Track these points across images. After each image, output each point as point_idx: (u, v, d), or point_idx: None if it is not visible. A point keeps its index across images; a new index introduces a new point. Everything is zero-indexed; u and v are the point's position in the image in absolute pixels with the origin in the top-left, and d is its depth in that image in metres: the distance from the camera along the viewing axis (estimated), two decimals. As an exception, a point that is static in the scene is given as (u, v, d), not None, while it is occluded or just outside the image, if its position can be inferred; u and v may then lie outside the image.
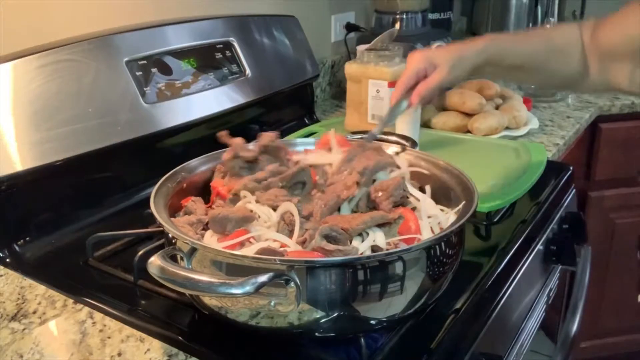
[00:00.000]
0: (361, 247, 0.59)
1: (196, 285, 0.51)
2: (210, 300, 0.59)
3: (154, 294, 0.72)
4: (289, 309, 0.54)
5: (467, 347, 0.65)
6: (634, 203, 1.68)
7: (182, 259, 0.59)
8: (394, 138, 0.86)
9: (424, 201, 0.71)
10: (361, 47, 1.23)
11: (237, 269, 0.55)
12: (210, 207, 0.73)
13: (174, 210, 0.71)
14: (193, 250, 0.58)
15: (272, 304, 0.54)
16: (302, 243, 0.62)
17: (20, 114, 0.80)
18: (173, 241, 0.61)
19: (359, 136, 0.88)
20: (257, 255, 0.56)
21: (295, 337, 0.61)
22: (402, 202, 0.71)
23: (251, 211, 0.67)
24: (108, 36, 0.94)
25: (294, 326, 0.57)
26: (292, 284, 0.53)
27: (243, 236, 0.62)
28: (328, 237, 0.58)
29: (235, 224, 0.64)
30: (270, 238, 0.63)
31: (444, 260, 0.61)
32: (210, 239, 0.65)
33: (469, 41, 0.87)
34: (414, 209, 0.70)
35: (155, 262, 0.53)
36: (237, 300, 0.56)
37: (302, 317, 0.56)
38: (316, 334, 0.58)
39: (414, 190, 0.73)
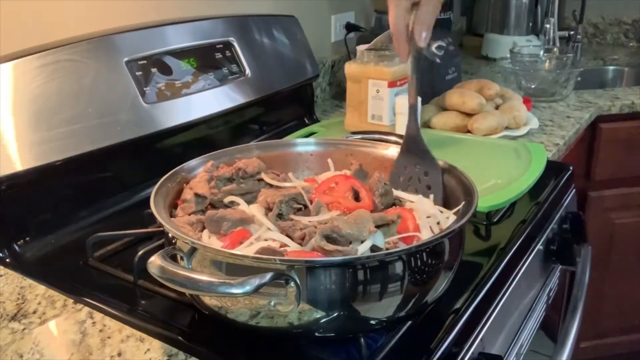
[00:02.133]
0: (361, 248, 0.59)
1: (196, 285, 0.51)
2: (210, 300, 0.59)
3: (154, 294, 0.72)
4: (289, 309, 0.54)
5: (467, 347, 0.65)
6: (634, 203, 1.68)
7: (182, 258, 0.59)
8: (393, 138, 0.86)
9: (420, 202, 0.71)
10: (361, 47, 1.23)
11: (237, 269, 0.55)
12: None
13: (174, 209, 0.71)
14: (193, 250, 0.58)
15: (272, 303, 0.54)
16: (302, 239, 0.62)
17: (20, 114, 0.80)
18: (173, 241, 0.61)
19: (359, 136, 0.88)
20: (257, 255, 0.56)
21: (295, 337, 0.61)
22: (391, 200, 0.71)
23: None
24: (108, 36, 0.94)
25: (293, 326, 0.57)
26: (292, 283, 0.53)
27: (250, 238, 0.62)
28: (328, 238, 0.58)
29: (232, 224, 0.64)
30: (270, 238, 0.63)
31: (444, 260, 0.61)
32: (209, 240, 0.65)
33: None
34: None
35: (156, 262, 0.53)
36: (237, 300, 0.56)
37: (302, 317, 0.56)
38: (316, 333, 0.58)
39: (404, 194, 0.73)
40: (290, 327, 0.57)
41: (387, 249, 0.61)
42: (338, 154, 0.83)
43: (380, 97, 1.18)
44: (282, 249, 0.61)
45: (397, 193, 0.74)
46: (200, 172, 0.75)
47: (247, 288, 0.50)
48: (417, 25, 0.72)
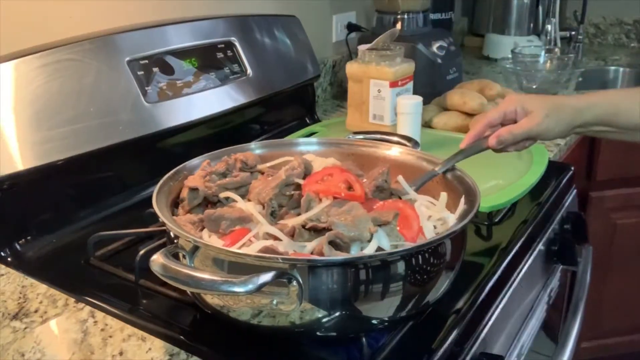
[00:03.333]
0: (367, 251, 0.59)
1: (199, 283, 0.51)
2: (212, 299, 0.59)
3: (156, 293, 0.72)
4: (290, 308, 0.54)
5: (468, 347, 0.65)
6: (635, 203, 1.68)
7: (184, 257, 0.59)
8: (395, 138, 0.86)
9: (418, 199, 0.71)
10: (362, 47, 1.23)
11: (240, 268, 0.55)
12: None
13: (175, 208, 0.71)
14: (195, 248, 0.58)
15: (274, 302, 0.54)
16: (292, 235, 0.62)
17: (21, 114, 0.80)
18: (175, 240, 0.61)
19: (360, 136, 0.88)
20: (259, 254, 0.56)
21: (297, 336, 0.61)
22: (386, 197, 0.71)
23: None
24: (109, 36, 0.94)
25: (295, 325, 0.57)
26: (294, 282, 0.53)
27: (247, 236, 0.62)
28: (333, 244, 0.58)
29: (231, 223, 0.64)
30: (265, 231, 0.63)
31: (446, 260, 0.61)
32: (209, 239, 0.64)
33: (578, 95, 0.80)
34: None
35: (158, 260, 0.53)
36: (239, 298, 0.56)
37: (304, 316, 0.56)
38: (317, 333, 0.58)
39: (406, 186, 0.73)
40: (292, 326, 0.57)
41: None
42: (340, 153, 0.83)
43: (381, 97, 1.18)
44: (276, 242, 0.61)
45: (404, 185, 0.73)
46: (197, 171, 0.75)
47: (250, 287, 0.50)
48: (504, 129, 0.77)
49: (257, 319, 0.57)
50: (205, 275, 0.51)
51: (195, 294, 0.62)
